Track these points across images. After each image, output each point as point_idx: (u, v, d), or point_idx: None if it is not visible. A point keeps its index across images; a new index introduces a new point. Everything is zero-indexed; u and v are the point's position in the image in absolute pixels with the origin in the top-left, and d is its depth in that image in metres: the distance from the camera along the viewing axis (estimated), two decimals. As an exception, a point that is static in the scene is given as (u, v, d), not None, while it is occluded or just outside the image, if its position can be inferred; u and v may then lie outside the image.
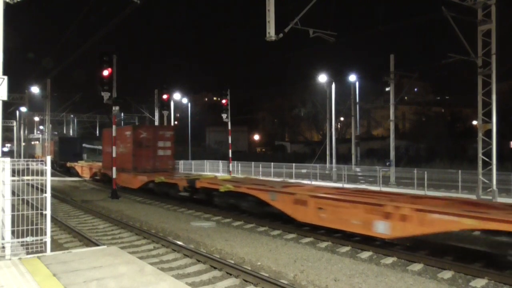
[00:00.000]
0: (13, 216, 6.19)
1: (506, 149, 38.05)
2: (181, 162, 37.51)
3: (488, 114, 14.55)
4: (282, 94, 69.91)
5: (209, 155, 46.84)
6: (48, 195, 6.17)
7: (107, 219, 13.67)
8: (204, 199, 15.42)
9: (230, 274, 7.57)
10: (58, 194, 20.35)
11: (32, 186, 6.94)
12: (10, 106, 44.55)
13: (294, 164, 28.10)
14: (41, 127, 59.37)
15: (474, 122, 39.18)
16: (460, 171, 18.93)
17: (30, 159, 7.79)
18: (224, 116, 24.81)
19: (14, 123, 54.05)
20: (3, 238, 6.07)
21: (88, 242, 10.01)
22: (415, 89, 63.06)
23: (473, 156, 18.46)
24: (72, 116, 55.24)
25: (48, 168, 6.19)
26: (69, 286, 4.69)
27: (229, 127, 25.61)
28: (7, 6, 7.61)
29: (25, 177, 7.38)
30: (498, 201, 13.04)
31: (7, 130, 54.63)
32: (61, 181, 29.63)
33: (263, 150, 74.78)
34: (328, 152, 30.67)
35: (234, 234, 11.24)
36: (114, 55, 18.66)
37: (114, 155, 19.63)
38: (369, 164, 34.74)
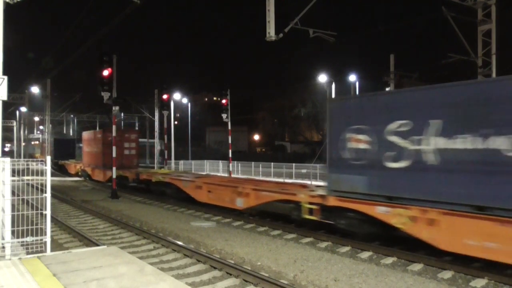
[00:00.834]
0: (13, 216, 6.19)
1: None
2: (181, 162, 37.50)
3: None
4: (282, 94, 69.92)
5: (209, 155, 46.83)
6: (48, 195, 6.17)
7: (107, 219, 13.67)
8: (145, 188, 20.37)
9: (230, 274, 7.58)
10: (58, 194, 20.34)
11: (32, 186, 6.93)
12: (10, 106, 44.57)
13: (294, 164, 28.10)
14: (41, 127, 59.37)
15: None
16: None
17: (30, 159, 7.79)
18: (224, 116, 24.80)
19: (14, 123, 54.05)
20: (3, 238, 6.07)
21: (88, 242, 10.01)
22: (415, 89, 62.96)
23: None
24: (72, 116, 55.23)
25: (48, 168, 6.19)
26: (69, 286, 4.69)
27: (229, 127, 25.60)
28: (7, 6, 7.60)
29: (25, 177, 7.38)
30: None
31: (7, 130, 54.61)
32: (61, 181, 29.62)
33: (263, 150, 74.77)
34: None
35: (234, 234, 11.24)
36: (114, 55, 18.67)
37: (114, 155, 19.64)
38: (369, 164, 34.66)
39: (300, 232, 11.08)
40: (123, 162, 23.55)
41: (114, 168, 19.49)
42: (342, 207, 9.96)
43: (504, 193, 7.21)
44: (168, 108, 28.54)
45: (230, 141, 25.98)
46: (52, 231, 7.45)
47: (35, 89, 38.59)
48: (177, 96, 39.02)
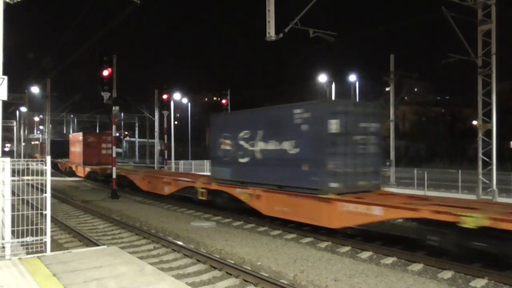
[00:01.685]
0: (13, 216, 6.19)
1: (506, 149, 38.04)
2: (181, 162, 37.46)
3: (488, 114, 14.54)
4: (282, 94, 69.86)
5: (209, 155, 46.77)
6: (48, 195, 6.17)
7: (107, 219, 13.67)
8: (109, 181, 22.64)
9: (230, 274, 7.58)
10: (58, 194, 20.34)
11: (32, 186, 6.93)
12: (10, 106, 44.52)
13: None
14: (41, 127, 59.37)
15: (474, 122, 39.17)
16: (460, 171, 18.93)
17: (30, 159, 7.78)
18: (224, 116, 24.76)
19: (14, 123, 54.02)
20: (3, 238, 6.06)
21: (88, 242, 10.01)
22: (415, 89, 63.05)
23: (473, 156, 18.47)
24: (72, 116, 55.21)
25: (48, 168, 6.18)
26: (69, 286, 4.69)
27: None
28: (7, 6, 7.60)
29: (25, 177, 7.37)
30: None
31: (7, 130, 54.59)
32: (61, 181, 29.62)
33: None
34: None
35: (234, 234, 11.24)
36: (114, 55, 18.67)
37: (114, 155, 19.67)
38: (369, 164, 34.66)
39: (300, 232, 11.09)
40: (101, 160, 28.08)
41: (114, 168, 19.49)
42: (218, 190, 14.22)
43: (289, 176, 11.44)
44: (168, 108, 28.55)
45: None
46: (52, 231, 7.45)
47: (35, 89, 38.57)
48: (177, 96, 39.01)
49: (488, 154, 14.54)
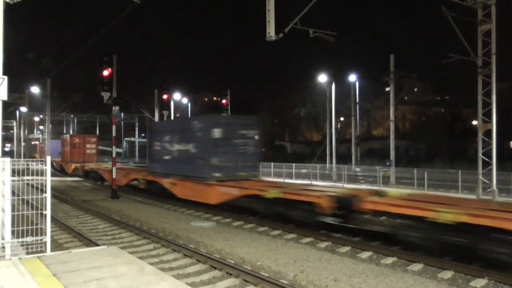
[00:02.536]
0: (13, 216, 6.19)
1: (506, 149, 38.04)
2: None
3: (488, 114, 14.54)
4: (282, 94, 69.92)
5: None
6: (48, 195, 6.17)
7: (107, 219, 13.67)
8: (80, 175, 30.10)
9: (230, 274, 7.57)
10: (58, 194, 20.35)
11: (32, 186, 6.93)
12: (10, 106, 44.55)
13: (294, 164, 28.10)
14: (41, 127, 59.38)
15: (474, 122, 39.16)
16: (460, 171, 18.94)
17: (30, 159, 7.78)
18: (224, 116, 24.79)
19: (14, 123, 54.04)
20: (3, 238, 6.06)
21: (88, 242, 10.01)
22: (415, 89, 63.02)
23: (473, 156, 18.48)
24: (72, 116, 55.24)
25: (48, 168, 6.18)
26: (69, 286, 4.69)
27: (229, 127, 25.57)
28: (7, 6, 7.60)
29: (25, 177, 7.37)
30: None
31: (7, 130, 54.58)
32: (61, 181, 29.63)
33: (263, 150, 74.60)
34: (328, 152, 30.66)
35: (234, 234, 11.24)
36: (114, 55, 18.65)
37: (114, 155, 19.66)
38: (369, 164, 34.74)
39: (300, 232, 11.08)
40: (85, 158, 32.80)
41: (114, 168, 19.48)
42: (152, 180, 18.34)
43: (192, 169, 15.57)
44: (168, 108, 28.50)
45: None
46: (52, 231, 7.44)
47: (35, 89, 38.56)
48: (177, 96, 39.02)
49: (488, 154, 14.53)
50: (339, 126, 56.06)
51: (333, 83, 30.35)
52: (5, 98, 7.12)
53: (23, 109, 45.94)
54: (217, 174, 14.70)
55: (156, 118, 33.69)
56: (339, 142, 41.71)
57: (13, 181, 6.43)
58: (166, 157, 17.58)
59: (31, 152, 53.92)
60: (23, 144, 52.08)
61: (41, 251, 6.20)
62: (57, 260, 5.76)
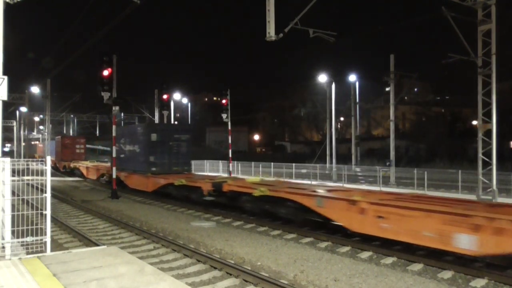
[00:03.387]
0: (13, 216, 6.19)
1: (506, 149, 38.03)
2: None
3: (488, 114, 14.54)
4: (282, 94, 69.94)
5: (209, 155, 46.80)
6: (48, 195, 6.17)
7: (107, 219, 13.67)
8: (68, 172, 33.69)
9: (230, 274, 7.57)
10: (58, 194, 20.35)
11: (32, 186, 6.93)
12: (10, 106, 44.53)
13: (294, 164, 28.10)
14: (41, 127, 59.39)
15: (474, 122, 39.17)
16: (460, 171, 18.95)
17: (30, 159, 7.78)
18: (224, 116, 24.81)
19: (14, 123, 54.03)
20: (3, 238, 6.06)
21: (88, 242, 10.01)
22: (415, 89, 63.04)
23: (473, 156, 18.48)
24: (72, 116, 55.24)
25: (48, 168, 6.18)
26: (69, 286, 4.69)
27: (229, 127, 25.61)
28: (7, 6, 7.60)
29: (25, 177, 7.37)
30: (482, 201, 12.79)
31: (7, 130, 54.58)
32: (61, 181, 29.63)
33: (263, 150, 74.73)
34: (328, 152, 30.66)
35: (234, 234, 11.24)
36: (114, 55, 18.63)
37: (114, 155, 19.64)
38: (369, 164, 34.73)
39: (300, 232, 11.09)
40: (74, 157, 36.08)
41: (114, 168, 19.47)
42: (117, 176, 20.21)
43: (137, 165, 20.22)
44: (168, 108, 28.49)
45: (230, 141, 25.98)
46: (52, 231, 7.44)
47: (35, 89, 38.59)
48: (177, 96, 39.04)
49: (488, 154, 14.53)
50: (339, 126, 56.09)
51: (333, 83, 30.35)
52: (5, 98, 7.11)
53: (23, 109, 45.93)
54: (153, 169, 19.02)
55: (156, 118, 33.70)
56: (339, 142, 41.71)
57: (13, 181, 6.43)
58: (122, 156, 21.66)
59: (31, 152, 54.01)
60: (23, 144, 52.09)
61: (41, 251, 6.20)
62: (57, 260, 5.76)
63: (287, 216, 11.86)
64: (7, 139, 58.17)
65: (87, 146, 45.41)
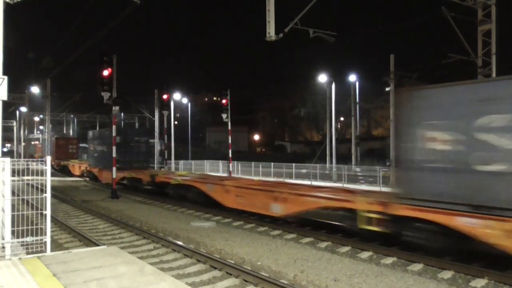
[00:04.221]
0: (13, 216, 6.19)
1: None
2: (181, 162, 37.49)
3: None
4: (282, 94, 69.91)
5: (209, 155, 46.84)
6: (48, 195, 6.17)
7: (107, 219, 13.67)
8: (59, 169, 37.13)
9: (230, 274, 7.57)
10: (58, 194, 20.34)
11: (32, 186, 6.93)
12: (10, 106, 44.56)
13: (294, 164, 28.10)
14: (41, 127, 59.40)
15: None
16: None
17: (30, 159, 7.78)
18: (224, 116, 24.80)
19: (14, 123, 54.04)
20: (3, 238, 6.06)
21: (88, 242, 10.01)
22: (415, 89, 62.87)
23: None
24: (72, 116, 55.23)
25: (48, 168, 6.19)
26: (69, 286, 4.69)
27: (229, 127, 25.60)
28: (7, 6, 7.60)
29: (25, 177, 7.38)
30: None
31: (7, 130, 54.60)
32: (61, 181, 29.63)
33: (263, 150, 74.76)
34: (328, 152, 30.66)
35: (234, 234, 11.24)
36: (114, 55, 18.63)
37: (114, 154, 19.62)
38: (369, 164, 34.68)
39: (300, 232, 11.09)
40: (67, 157, 38.93)
41: (114, 168, 19.47)
42: (90, 171, 27.43)
43: (106, 162, 23.17)
44: (168, 108, 28.54)
45: (230, 141, 25.98)
46: (52, 231, 7.45)
47: (35, 89, 38.63)
48: (177, 96, 39.01)
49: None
50: (339, 126, 56.09)
51: (333, 83, 30.35)
52: (5, 98, 7.11)
53: (23, 109, 45.95)
54: (118, 165, 20.98)
55: (156, 118, 33.70)
56: (339, 142, 41.71)
57: (13, 181, 6.43)
58: (95, 155, 26.79)
59: (31, 152, 54.05)
60: (23, 144, 52.10)
61: (41, 251, 6.21)
62: (57, 260, 5.77)
63: (193, 199, 16.03)
64: (7, 139, 58.18)
65: (83, 145, 47.78)
